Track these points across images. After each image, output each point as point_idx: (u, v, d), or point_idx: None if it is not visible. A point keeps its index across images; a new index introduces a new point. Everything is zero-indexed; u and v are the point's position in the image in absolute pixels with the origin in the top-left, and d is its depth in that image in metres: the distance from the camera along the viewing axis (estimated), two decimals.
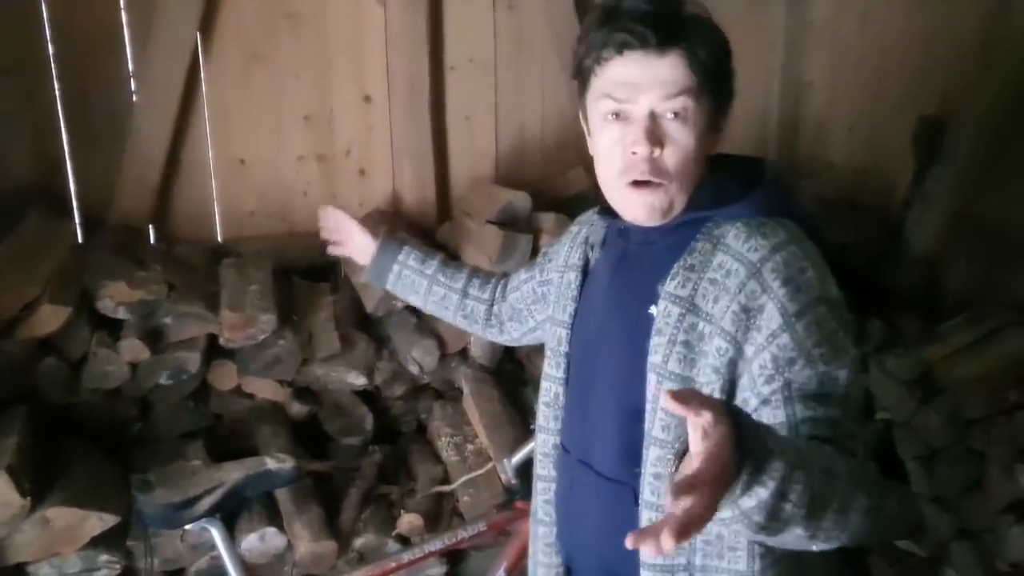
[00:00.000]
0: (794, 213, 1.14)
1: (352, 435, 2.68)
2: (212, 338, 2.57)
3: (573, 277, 1.29)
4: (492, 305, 1.56)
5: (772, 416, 1.00)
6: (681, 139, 1.08)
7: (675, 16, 1.07)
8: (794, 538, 0.91)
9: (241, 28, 2.86)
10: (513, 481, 2.17)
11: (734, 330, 1.04)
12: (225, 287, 2.63)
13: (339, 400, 2.71)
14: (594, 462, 1.22)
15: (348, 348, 2.67)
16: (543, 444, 1.33)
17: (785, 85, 3.53)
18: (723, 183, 1.13)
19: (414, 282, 1.57)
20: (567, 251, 1.34)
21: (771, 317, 1.02)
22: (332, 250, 1.69)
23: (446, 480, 2.56)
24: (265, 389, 2.65)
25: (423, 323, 2.75)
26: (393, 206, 3.15)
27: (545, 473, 1.34)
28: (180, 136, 2.88)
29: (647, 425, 1.11)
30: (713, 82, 1.09)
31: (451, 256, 2.84)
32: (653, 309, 1.11)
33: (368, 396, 2.75)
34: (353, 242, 1.65)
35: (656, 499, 1.11)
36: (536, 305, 1.46)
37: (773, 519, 0.85)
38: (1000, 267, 2.76)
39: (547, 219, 2.81)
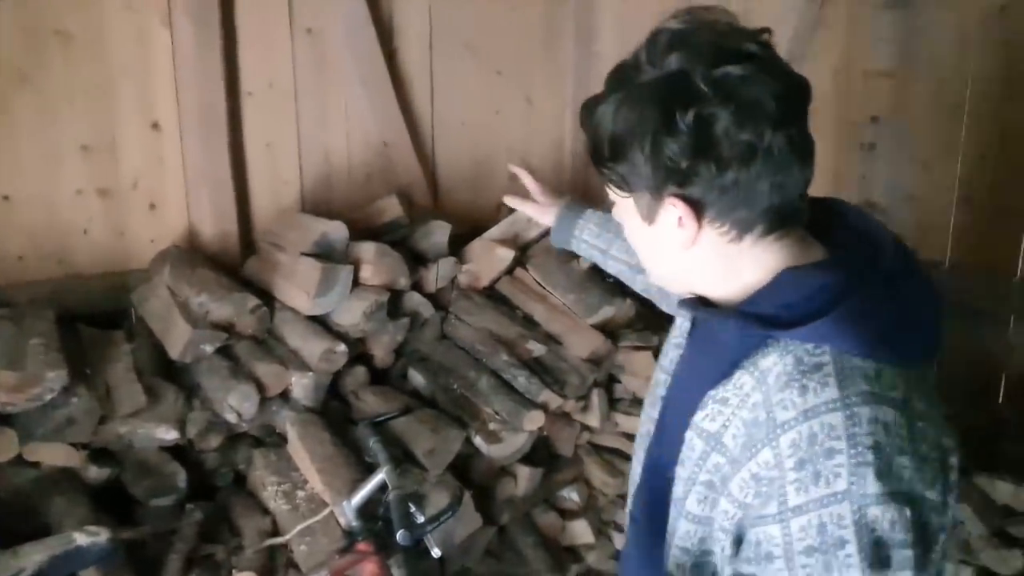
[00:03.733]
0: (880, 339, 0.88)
1: (163, 495, 2.43)
2: None
3: (685, 324, 1.15)
4: None
5: None
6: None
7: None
8: None
9: None
10: (354, 523, 2.07)
11: (742, 496, 0.91)
12: None
13: (144, 458, 2.44)
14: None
15: (155, 400, 2.42)
16: (632, 472, 1.24)
17: (576, 113, 3.68)
18: (790, 288, 0.91)
19: (592, 256, 1.65)
20: None
21: (769, 499, 0.86)
22: (511, 201, 1.84)
23: (276, 531, 2.39)
24: (54, 455, 2.32)
25: (238, 367, 2.55)
26: (190, 241, 2.91)
27: (631, 508, 1.23)
28: None
29: (666, 558, 1.05)
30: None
31: (263, 292, 2.71)
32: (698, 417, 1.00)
33: (178, 451, 2.51)
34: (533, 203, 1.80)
35: None
36: None
37: None
38: None
39: (366, 249, 2.72)
